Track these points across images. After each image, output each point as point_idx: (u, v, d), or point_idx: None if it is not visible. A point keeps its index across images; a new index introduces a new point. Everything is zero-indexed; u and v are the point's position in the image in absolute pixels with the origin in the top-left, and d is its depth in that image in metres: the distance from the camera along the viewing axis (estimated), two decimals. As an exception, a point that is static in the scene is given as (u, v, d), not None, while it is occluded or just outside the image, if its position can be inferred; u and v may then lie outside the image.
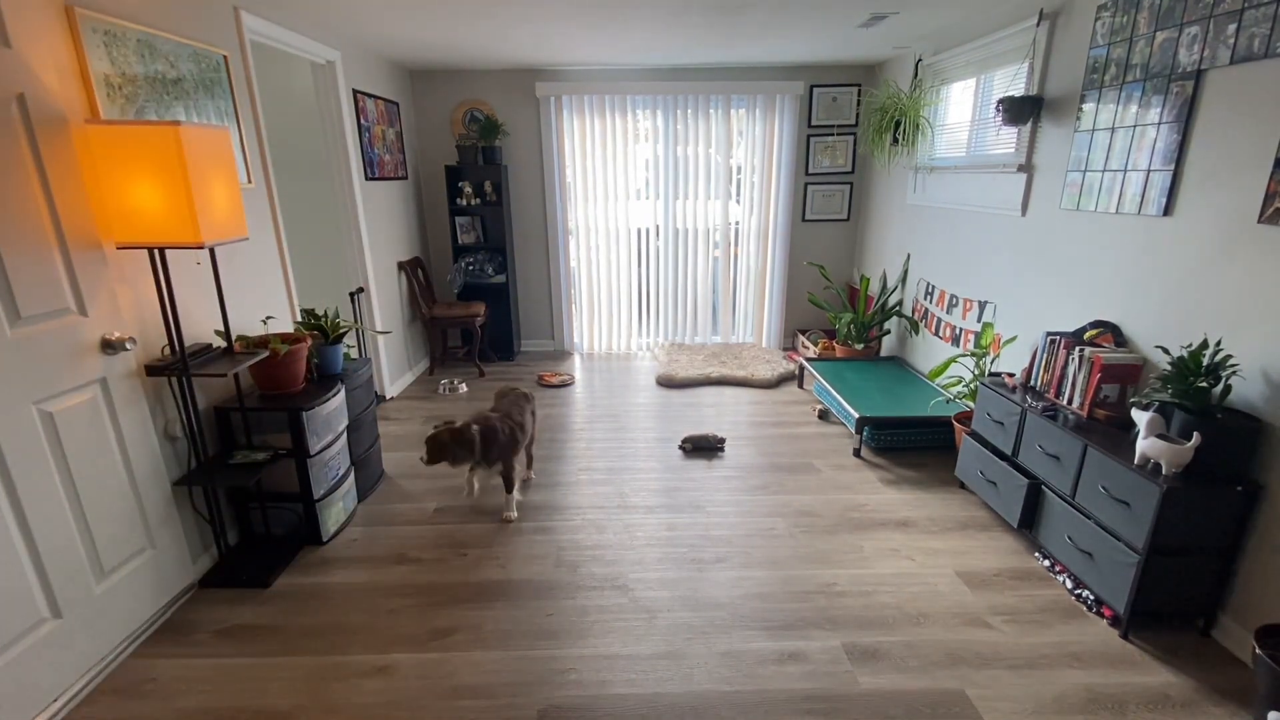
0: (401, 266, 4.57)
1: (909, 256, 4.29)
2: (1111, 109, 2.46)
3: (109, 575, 1.99)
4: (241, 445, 2.47)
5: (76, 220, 1.86)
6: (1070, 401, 2.45)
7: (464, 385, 4.52)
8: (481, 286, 5.05)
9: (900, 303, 4.42)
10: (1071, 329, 2.70)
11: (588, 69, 4.78)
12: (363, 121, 3.90)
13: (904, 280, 4.37)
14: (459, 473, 3.24)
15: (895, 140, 3.86)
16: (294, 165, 4.49)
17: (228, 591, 2.31)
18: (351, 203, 3.80)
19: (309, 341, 2.59)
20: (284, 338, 2.54)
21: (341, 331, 2.81)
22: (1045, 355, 2.60)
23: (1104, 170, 2.50)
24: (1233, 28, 1.96)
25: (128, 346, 1.98)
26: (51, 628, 1.80)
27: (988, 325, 3.30)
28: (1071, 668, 1.92)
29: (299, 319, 3.07)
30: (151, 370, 2.13)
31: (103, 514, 1.96)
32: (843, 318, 4.54)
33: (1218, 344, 1.94)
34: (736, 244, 5.30)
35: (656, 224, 5.22)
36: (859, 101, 4.88)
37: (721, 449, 3.48)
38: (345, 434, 2.76)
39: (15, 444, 1.68)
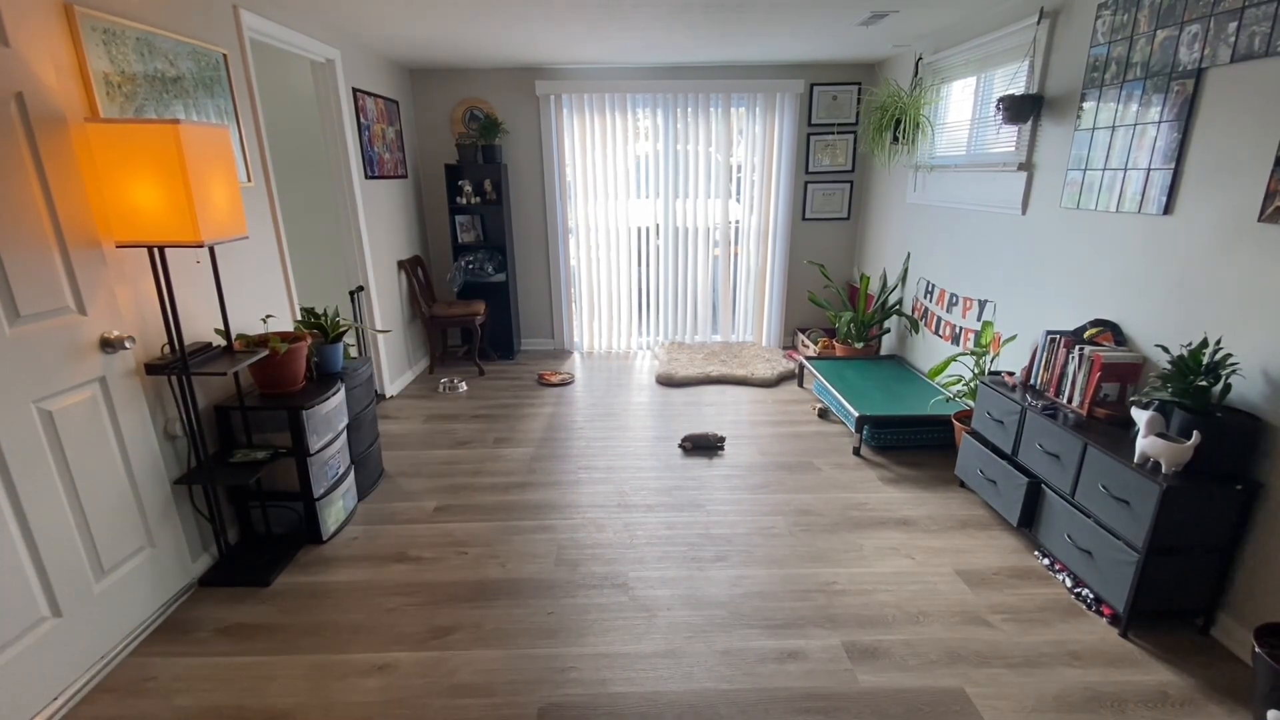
0: (401, 265, 4.56)
1: (909, 255, 4.29)
2: (1112, 107, 2.46)
3: (109, 574, 1.99)
4: (241, 444, 2.47)
5: (75, 219, 1.86)
6: (1070, 400, 2.45)
7: (464, 384, 4.52)
8: (481, 285, 5.04)
9: (900, 301, 4.42)
10: (1071, 328, 2.70)
11: (588, 68, 4.77)
12: (362, 120, 3.90)
13: (904, 279, 4.37)
14: (460, 471, 3.23)
15: (895, 139, 3.86)
16: (294, 164, 4.49)
17: (228, 590, 2.31)
18: (351, 201, 3.79)
19: (309, 340, 2.59)
20: (284, 336, 2.53)
21: (341, 330, 2.81)
22: (1045, 354, 2.60)
23: (1104, 169, 2.50)
24: (1233, 26, 1.96)
25: (127, 345, 1.98)
26: (52, 626, 1.80)
27: (988, 324, 3.30)
28: (1071, 666, 1.93)
29: (299, 318, 3.07)
30: (151, 369, 2.12)
31: (102, 512, 1.96)
32: (843, 316, 4.54)
33: (1218, 343, 1.94)
34: (736, 243, 5.30)
35: (656, 223, 5.22)
36: (859, 100, 4.88)
37: (721, 448, 3.48)
38: (345, 433, 2.76)
39: (15, 443, 1.68)
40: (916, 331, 4.23)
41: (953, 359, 3.38)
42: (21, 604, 1.72)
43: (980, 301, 3.43)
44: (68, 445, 1.84)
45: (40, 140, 1.74)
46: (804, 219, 5.20)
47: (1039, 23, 2.86)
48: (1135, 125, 2.34)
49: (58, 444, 1.81)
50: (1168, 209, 2.23)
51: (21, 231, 1.70)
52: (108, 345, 1.96)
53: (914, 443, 3.42)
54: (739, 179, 5.15)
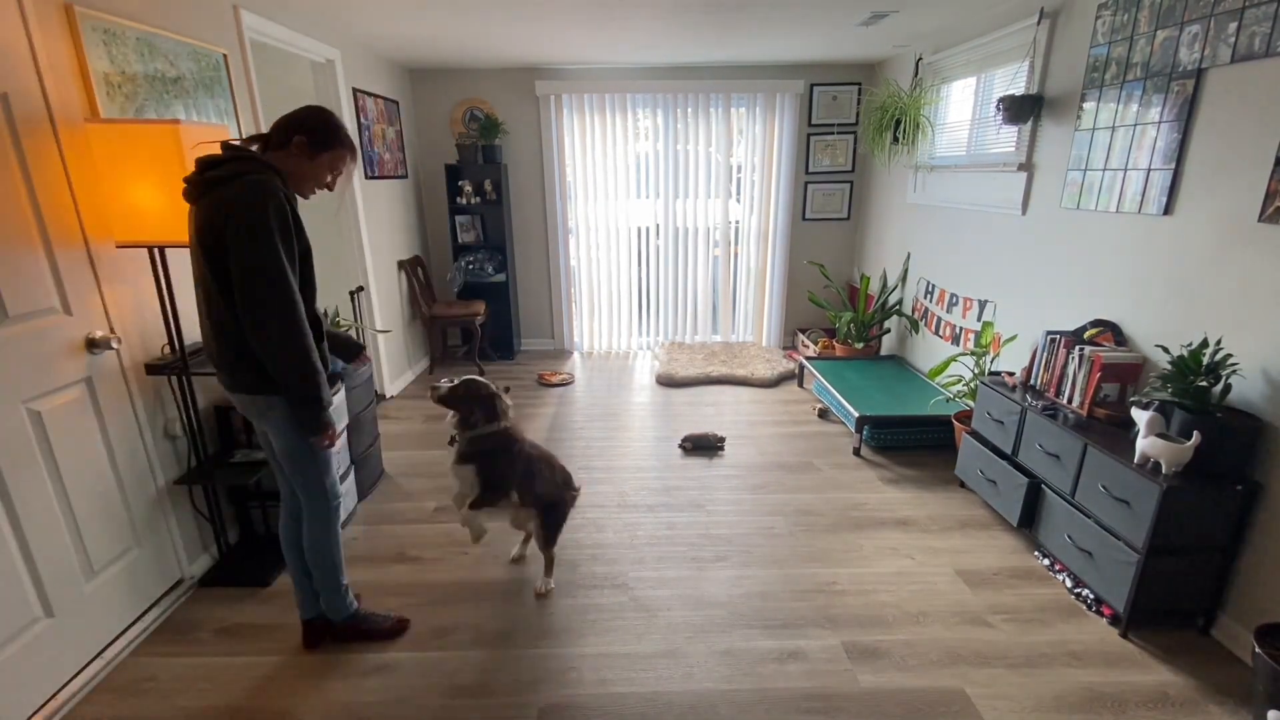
0: (401, 265, 4.56)
1: (909, 255, 4.29)
2: (1112, 108, 2.46)
3: (99, 574, 1.97)
4: (241, 444, 2.47)
5: (59, 219, 1.83)
6: (1070, 400, 2.45)
7: (464, 384, 4.51)
8: (481, 285, 5.04)
9: (900, 302, 4.42)
10: (1071, 328, 2.70)
11: (588, 68, 4.77)
12: (362, 120, 3.90)
13: (904, 279, 4.37)
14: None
15: (895, 139, 3.86)
16: (293, 164, 4.48)
17: (228, 590, 2.31)
18: (351, 201, 3.79)
19: (309, 340, 2.59)
20: (283, 336, 2.53)
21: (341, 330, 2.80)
22: (1045, 354, 2.59)
23: (1104, 169, 2.50)
24: (1233, 26, 1.96)
25: (113, 345, 1.97)
26: (44, 626, 1.79)
27: (988, 324, 3.30)
28: (1071, 666, 1.93)
29: (299, 318, 3.06)
30: (151, 369, 2.12)
31: (91, 512, 1.95)
32: (843, 317, 4.54)
33: (1218, 343, 1.94)
34: (736, 243, 5.30)
35: (657, 223, 5.22)
36: (859, 100, 4.88)
37: (721, 448, 3.48)
38: (345, 433, 2.75)
39: (5, 443, 1.68)
40: (916, 331, 4.23)
41: (953, 359, 3.38)
42: (15, 604, 1.71)
43: (980, 301, 3.43)
44: (56, 445, 1.82)
45: (40, 141, 1.73)
46: (804, 219, 5.20)
47: (1039, 23, 2.86)
48: (1135, 125, 2.34)
49: (46, 444, 1.80)
50: (1168, 209, 2.22)
51: (12, 232, 1.69)
52: (93, 345, 1.93)
53: (914, 443, 3.42)
54: (739, 179, 5.15)
